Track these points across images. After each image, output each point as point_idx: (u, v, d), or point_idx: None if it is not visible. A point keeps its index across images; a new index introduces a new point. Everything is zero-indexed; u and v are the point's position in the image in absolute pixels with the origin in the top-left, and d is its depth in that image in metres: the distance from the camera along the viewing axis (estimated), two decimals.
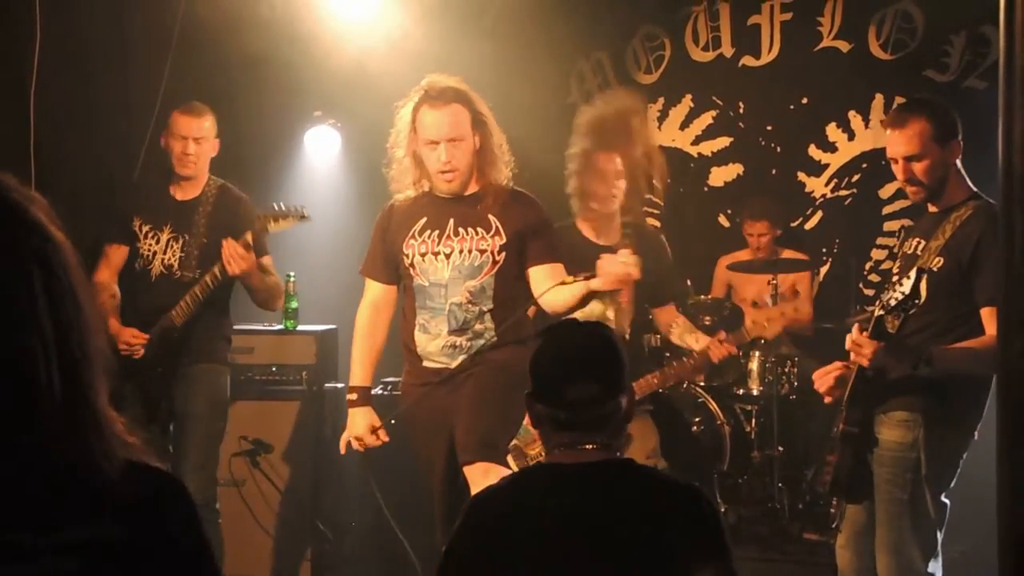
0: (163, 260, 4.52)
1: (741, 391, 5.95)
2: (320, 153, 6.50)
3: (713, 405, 5.75)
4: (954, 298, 3.45)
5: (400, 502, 5.01)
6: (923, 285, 3.33)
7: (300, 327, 5.50)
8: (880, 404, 3.55)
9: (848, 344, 3.44)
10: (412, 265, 3.90)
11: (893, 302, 3.35)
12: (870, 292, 6.46)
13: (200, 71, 5.38)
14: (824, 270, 6.57)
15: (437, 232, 3.88)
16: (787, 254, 6.24)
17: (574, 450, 2.28)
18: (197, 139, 4.51)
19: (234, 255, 4.32)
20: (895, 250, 6.31)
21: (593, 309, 4.73)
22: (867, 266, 6.49)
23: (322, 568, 5.32)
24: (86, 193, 4.75)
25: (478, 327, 3.86)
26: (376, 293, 4.08)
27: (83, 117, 4.87)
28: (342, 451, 4.11)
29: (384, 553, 5.26)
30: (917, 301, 3.32)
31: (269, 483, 5.24)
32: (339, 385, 5.56)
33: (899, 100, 6.30)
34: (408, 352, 3.99)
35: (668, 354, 5.33)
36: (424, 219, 3.91)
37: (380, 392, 5.33)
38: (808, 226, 6.67)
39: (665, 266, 4.97)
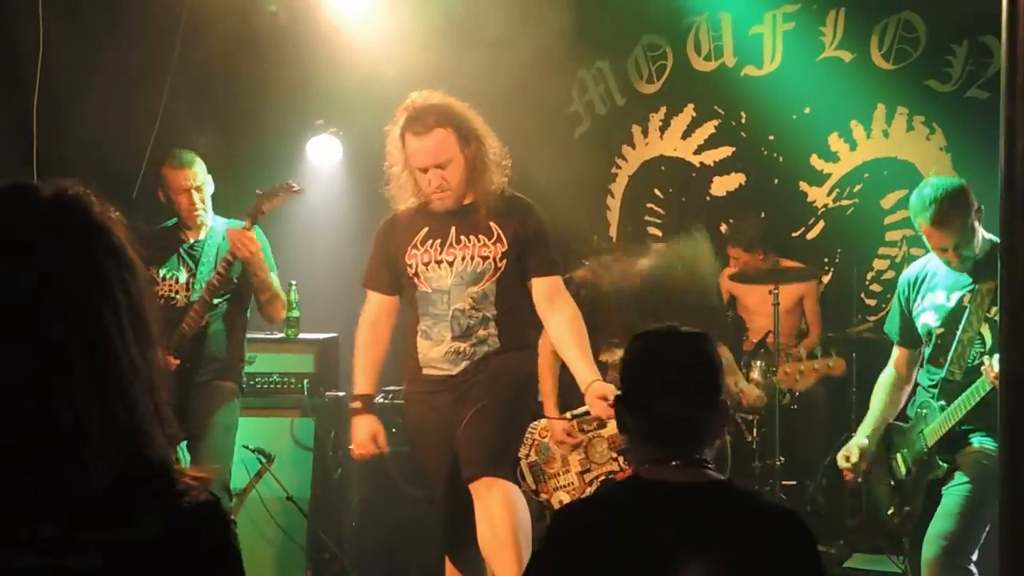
0: (187, 295, 4.60)
1: None
2: (322, 162, 6.51)
3: None
4: None
5: (404, 509, 5.01)
6: (987, 331, 3.70)
7: (301, 336, 5.49)
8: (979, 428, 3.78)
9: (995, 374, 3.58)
10: (416, 275, 3.90)
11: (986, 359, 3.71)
12: (871, 302, 6.45)
13: (202, 79, 5.39)
14: (826, 280, 6.56)
15: (439, 241, 3.88)
16: (785, 264, 6.22)
17: (666, 467, 2.14)
18: (197, 187, 4.61)
19: (241, 238, 4.41)
20: (897, 260, 6.33)
21: None
22: (869, 276, 6.48)
23: None
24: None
25: (481, 333, 3.85)
26: (377, 304, 4.08)
27: (85, 121, 4.88)
28: (355, 457, 4.09)
29: (385, 562, 5.25)
30: (982, 348, 3.70)
31: (270, 492, 5.23)
32: (340, 394, 5.56)
33: (901, 110, 6.31)
34: (408, 360, 3.97)
35: None
36: (426, 229, 3.91)
37: (381, 401, 5.33)
38: (810, 236, 6.66)
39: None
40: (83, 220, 1.42)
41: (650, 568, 2.03)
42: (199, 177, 4.61)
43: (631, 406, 2.20)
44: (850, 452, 3.99)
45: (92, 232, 1.42)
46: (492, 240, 3.86)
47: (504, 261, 3.86)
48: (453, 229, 3.88)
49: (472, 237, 3.86)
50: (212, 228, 4.70)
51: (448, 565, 4.03)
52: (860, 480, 4.08)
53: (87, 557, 1.34)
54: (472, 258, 3.84)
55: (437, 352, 3.87)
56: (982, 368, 3.61)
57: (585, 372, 3.80)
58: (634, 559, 2.05)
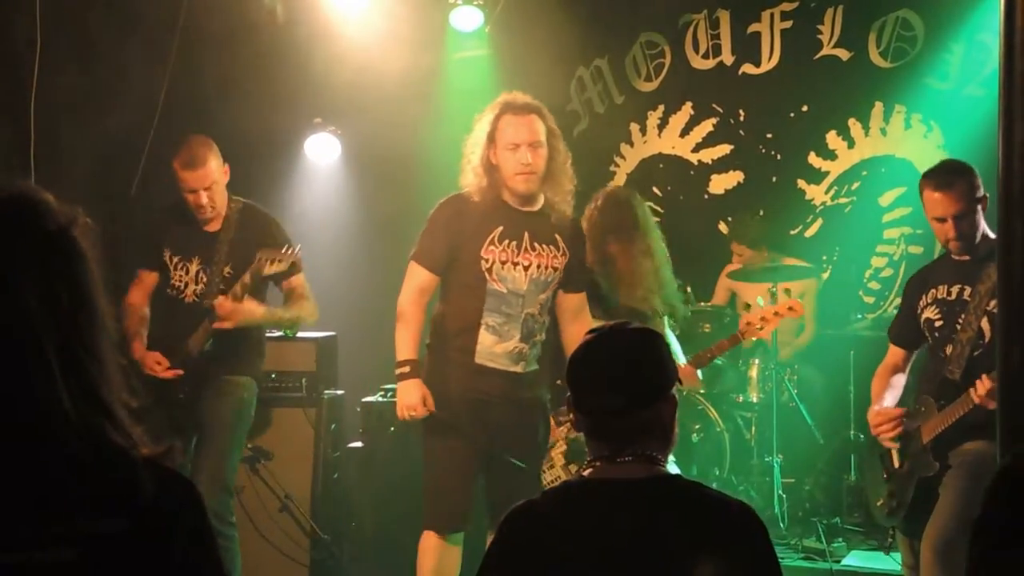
0: (194, 290, 4.56)
1: (740, 398, 5.95)
2: (320, 160, 6.51)
3: (712, 412, 5.74)
4: None
5: (401, 508, 5.00)
6: (986, 325, 3.68)
7: (299, 334, 5.48)
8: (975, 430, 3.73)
9: (983, 392, 3.54)
10: (490, 270, 4.03)
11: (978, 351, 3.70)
12: (870, 300, 6.46)
13: (201, 77, 5.40)
14: (824, 277, 6.57)
15: (515, 243, 4.06)
16: (788, 262, 6.23)
17: (612, 464, 2.12)
18: (207, 187, 4.48)
19: (228, 314, 4.39)
20: (895, 258, 6.34)
21: None
22: (867, 274, 6.49)
23: (321, 575, 5.31)
24: (85, 193, 4.75)
25: (537, 338, 4.12)
26: (423, 280, 4.12)
27: (84, 119, 4.88)
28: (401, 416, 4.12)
29: (383, 560, 5.25)
30: (982, 342, 3.69)
31: (268, 490, 5.24)
32: (339, 392, 5.56)
33: (899, 107, 6.32)
34: (455, 352, 4.07)
35: None
36: (500, 228, 4.06)
37: (380, 399, 5.34)
38: (808, 234, 6.67)
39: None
40: (33, 224, 1.41)
41: (600, 566, 2.02)
42: (211, 175, 4.48)
43: (577, 404, 2.19)
44: (882, 414, 3.96)
45: (40, 234, 1.41)
46: (559, 252, 4.13)
47: (562, 274, 4.14)
48: (526, 234, 4.08)
49: (544, 246, 4.10)
50: (227, 218, 4.58)
51: (434, 540, 4.04)
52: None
53: (59, 551, 1.32)
54: (546, 267, 4.10)
55: (503, 348, 4.06)
56: (978, 383, 3.58)
57: None
58: (582, 556, 2.04)
